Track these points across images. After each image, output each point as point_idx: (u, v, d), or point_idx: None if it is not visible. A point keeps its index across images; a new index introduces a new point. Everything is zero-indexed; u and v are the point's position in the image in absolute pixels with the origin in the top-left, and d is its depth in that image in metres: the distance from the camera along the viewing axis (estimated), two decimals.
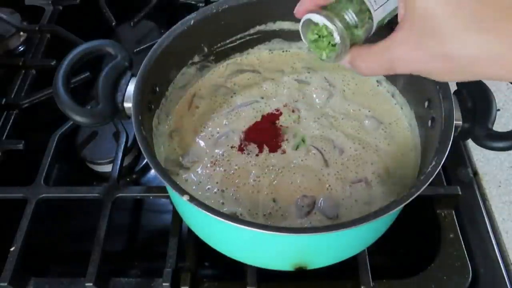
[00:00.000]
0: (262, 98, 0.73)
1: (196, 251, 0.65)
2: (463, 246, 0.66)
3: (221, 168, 0.65)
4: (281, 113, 0.71)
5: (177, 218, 0.67)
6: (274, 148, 0.67)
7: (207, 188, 0.63)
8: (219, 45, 0.75)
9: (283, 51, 0.80)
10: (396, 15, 0.47)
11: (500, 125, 0.80)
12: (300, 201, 0.61)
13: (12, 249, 0.63)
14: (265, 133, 0.69)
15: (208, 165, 0.65)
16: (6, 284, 0.61)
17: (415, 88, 0.66)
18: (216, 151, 0.67)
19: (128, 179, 0.81)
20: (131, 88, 0.60)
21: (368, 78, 0.75)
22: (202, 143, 0.68)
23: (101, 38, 0.64)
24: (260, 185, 0.63)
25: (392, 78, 0.72)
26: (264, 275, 0.61)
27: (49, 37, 0.99)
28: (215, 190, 0.63)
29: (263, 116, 0.71)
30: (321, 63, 0.78)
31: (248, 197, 0.62)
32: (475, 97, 0.58)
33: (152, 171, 0.82)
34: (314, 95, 0.73)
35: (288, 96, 0.73)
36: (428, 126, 0.62)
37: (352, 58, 0.49)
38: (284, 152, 0.66)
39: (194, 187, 0.63)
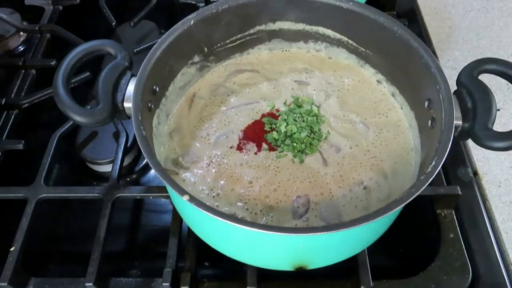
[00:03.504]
0: (264, 100, 0.73)
1: (196, 251, 0.65)
2: (463, 246, 0.66)
3: (219, 168, 0.65)
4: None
5: (177, 218, 0.67)
6: (273, 146, 0.67)
7: (201, 189, 0.63)
8: (219, 45, 0.75)
9: (283, 51, 0.80)
10: None
11: (500, 125, 0.80)
12: (295, 202, 0.61)
13: (12, 249, 0.63)
14: (264, 132, 0.69)
15: (206, 165, 0.65)
16: (6, 284, 0.61)
17: (415, 88, 0.66)
18: (214, 151, 0.67)
19: (128, 179, 0.81)
20: (131, 88, 0.60)
21: (369, 78, 0.75)
22: (201, 143, 0.68)
23: (101, 38, 0.64)
24: (257, 185, 0.63)
25: (392, 78, 0.72)
26: (264, 275, 0.61)
27: (49, 37, 0.99)
28: (212, 189, 0.63)
29: (262, 115, 0.71)
30: (321, 63, 0.78)
31: (245, 197, 0.62)
32: (475, 97, 0.58)
33: (152, 171, 0.81)
34: (314, 97, 0.73)
35: (287, 97, 0.73)
36: (428, 126, 0.62)
37: None
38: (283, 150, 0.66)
39: (190, 188, 0.63)
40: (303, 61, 0.78)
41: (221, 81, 0.76)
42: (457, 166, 0.76)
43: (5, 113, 0.84)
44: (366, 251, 0.62)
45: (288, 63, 0.78)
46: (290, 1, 0.72)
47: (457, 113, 0.58)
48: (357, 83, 0.75)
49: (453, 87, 0.60)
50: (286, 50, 0.80)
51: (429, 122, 0.62)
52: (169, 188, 0.53)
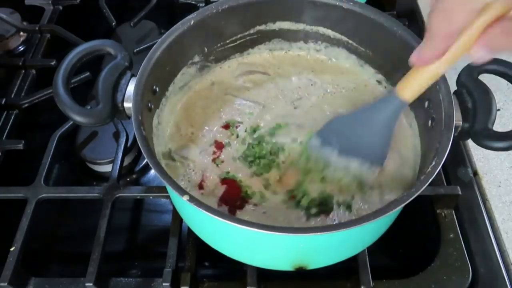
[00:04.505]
0: (263, 107, 0.73)
1: (196, 251, 0.65)
2: (463, 246, 0.66)
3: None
4: None
5: (177, 218, 0.67)
6: None
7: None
8: (219, 45, 0.75)
9: (283, 51, 0.80)
10: None
11: (500, 125, 0.80)
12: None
13: (12, 249, 0.63)
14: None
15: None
16: (6, 284, 0.61)
17: None
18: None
19: (128, 179, 0.81)
20: (131, 88, 0.60)
21: (369, 78, 0.75)
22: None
23: (101, 38, 0.64)
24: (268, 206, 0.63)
25: (392, 78, 0.72)
26: (264, 275, 0.61)
27: (49, 37, 0.99)
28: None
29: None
30: (321, 65, 0.78)
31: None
32: (475, 97, 0.58)
33: (152, 171, 0.81)
34: (314, 97, 0.73)
35: (288, 98, 0.73)
36: (428, 126, 0.62)
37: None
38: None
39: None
40: (303, 62, 0.78)
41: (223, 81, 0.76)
42: (457, 166, 0.76)
43: (5, 113, 0.84)
44: (366, 251, 0.62)
45: (289, 63, 0.78)
46: (290, 1, 0.72)
47: (457, 113, 0.58)
48: (356, 84, 0.75)
49: (453, 87, 0.60)
50: (286, 51, 0.79)
51: (429, 122, 0.62)
52: (169, 188, 0.53)
